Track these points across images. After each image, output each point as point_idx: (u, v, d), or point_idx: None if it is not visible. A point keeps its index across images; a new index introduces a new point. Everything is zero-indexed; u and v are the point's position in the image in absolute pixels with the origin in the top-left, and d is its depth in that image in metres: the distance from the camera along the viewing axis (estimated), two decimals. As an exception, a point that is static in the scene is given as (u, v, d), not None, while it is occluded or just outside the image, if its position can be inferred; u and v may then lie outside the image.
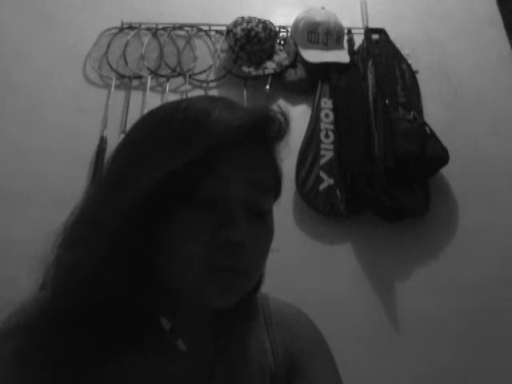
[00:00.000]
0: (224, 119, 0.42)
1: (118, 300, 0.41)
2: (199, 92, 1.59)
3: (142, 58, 1.61)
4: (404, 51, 1.61)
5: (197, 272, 0.41)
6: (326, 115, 1.50)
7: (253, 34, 1.52)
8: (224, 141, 0.40)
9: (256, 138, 0.44)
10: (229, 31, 1.57)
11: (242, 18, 1.56)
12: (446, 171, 1.42)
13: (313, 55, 1.55)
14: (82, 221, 0.45)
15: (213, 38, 1.67)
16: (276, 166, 0.48)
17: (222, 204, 0.41)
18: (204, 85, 1.60)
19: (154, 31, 1.67)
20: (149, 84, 1.57)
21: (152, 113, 0.48)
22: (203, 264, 0.41)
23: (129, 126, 0.49)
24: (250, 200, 0.43)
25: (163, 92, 1.58)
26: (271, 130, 0.45)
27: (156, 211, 0.40)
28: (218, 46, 1.65)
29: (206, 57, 1.65)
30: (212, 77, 1.62)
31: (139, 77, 1.59)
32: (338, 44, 1.59)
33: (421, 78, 1.57)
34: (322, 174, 1.41)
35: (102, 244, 0.41)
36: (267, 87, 1.52)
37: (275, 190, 0.48)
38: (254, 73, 1.53)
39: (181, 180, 0.40)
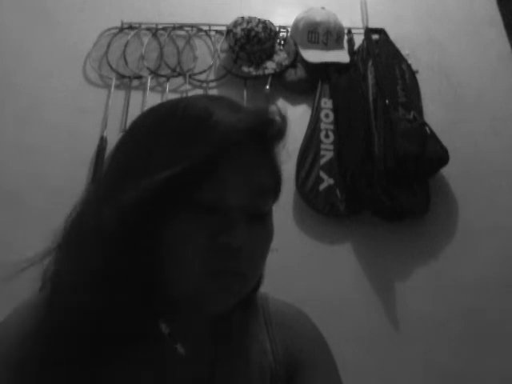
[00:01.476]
0: (225, 120, 0.41)
1: (117, 304, 0.41)
2: (199, 92, 1.59)
3: (142, 58, 1.61)
4: (404, 51, 1.61)
5: (196, 274, 0.41)
6: (326, 115, 1.50)
7: (253, 33, 1.52)
8: (225, 144, 0.40)
9: (256, 140, 0.44)
10: (229, 31, 1.57)
11: (242, 17, 1.56)
12: (446, 171, 1.42)
13: (313, 55, 1.55)
14: (81, 221, 0.44)
15: (213, 38, 1.67)
16: (276, 167, 0.48)
17: (221, 208, 0.41)
18: (204, 85, 1.60)
19: (154, 31, 1.67)
20: (149, 84, 1.57)
21: (152, 110, 0.48)
22: (203, 266, 0.41)
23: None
24: (249, 204, 0.42)
25: (163, 92, 1.58)
26: (271, 132, 0.45)
27: (156, 213, 0.40)
28: (218, 46, 1.65)
29: (206, 57, 1.65)
30: (212, 77, 1.62)
31: (139, 77, 1.59)
32: (338, 44, 1.59)
33: (421, 78, 1.57)
34: (322, 174, 1.41)
35: (100, 246, 0.40)
36: (267, 87, 1.52)
37: (275, 192, 0.47)
38: (254, 73, 1.53)
39: (180, 183, 0.39)
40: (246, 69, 1.54)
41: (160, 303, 0.45)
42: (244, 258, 0.41)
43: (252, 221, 0.43)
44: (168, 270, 0.42)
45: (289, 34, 1.64)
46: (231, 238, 0.40)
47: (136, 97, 1.56)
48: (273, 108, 0.46)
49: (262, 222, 0.44)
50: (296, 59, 1.57)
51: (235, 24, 1.56)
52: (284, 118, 0.46)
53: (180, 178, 0.39)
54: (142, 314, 0.42)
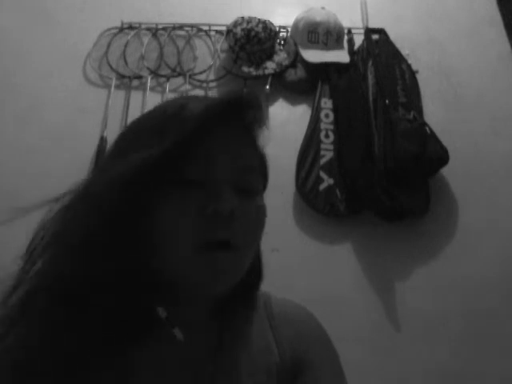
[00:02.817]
0: (198, 107, 0.44)
1: (118, 293, 0.41)
2: (199, 92, 1.59)
3: (142, 58, 1.61)
4: (404, 51, 1.61)
5: (188, 249, 0.42)
6: (326, 115, 1.50)
7: (253, 33, 1.52)
8: (199, 124, 0.42)
9: (233, 118, 0.46)
10: (229, 31, 1.57)
11: (242, 17, 1.56)
12: (446, 171, 1.42)
13: (313, 55, 1.55)
14: (72, 206, 0.46)
15: (213, 38, 1.67)
16: (257, 147, 0.50)
17: (208, 181, 0.43)
18: (204, 85, 1.60)
19: (154, 31, 1.67)
20: (149, 84, 1.57)
21: (141, 115, 0.51)
22: (193, 238, 0.42)
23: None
24: (235, 176, 0.44)
25: (163, 92, 1.58)
26: (247, 110, 0.47)
27: (145, 195, 0.41)
28: (218, 46, 1.65)
29: (206, 57, 1.65)
30: (212, 77, 1.62)
31: (139, 77, 1.59)
32: (338, 44, 1.59)
33: (421, 78, 1.57)
34: (322, 174, 1.41)
35: (96, 228, 0.41)
36: (267, 87, 1.52)
37: (261, 170, 0.50)
38: (254, 73, 1.53)
39: (168, 166, 0.41)
40: (246, 69, 1.54)
41: (157, 287, 0.45)
42: (236, 226, 0.43)
43: (240, 196, 0.44)
44: (159, 247, 0.43)
45: (289, 34, 1.64)
46: (219, 205, 0.41)
47: (136, 97, 1.56)
48: (247, 93, 0.49)
49: (250, 198, 0.46)
50: (296, 59, 1.58)
51: (235, 24, 1.56)
52: (259, 100, 0.48)
53: (164, 158, 0.41)
54: (140, 301, 0.43)
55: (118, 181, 0.41)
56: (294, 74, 1.56)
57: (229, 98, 0.46)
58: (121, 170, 0.42)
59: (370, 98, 1.48)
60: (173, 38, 1.67)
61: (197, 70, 1.61)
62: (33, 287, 0.43)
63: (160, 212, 0.42)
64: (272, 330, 0.52)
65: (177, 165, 0.42)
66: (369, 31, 1.63)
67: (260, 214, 0.47)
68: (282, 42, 1.61)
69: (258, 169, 0.49)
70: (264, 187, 0.52)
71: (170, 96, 1.54)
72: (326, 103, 1.52)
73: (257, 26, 1.54)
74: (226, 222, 0.42)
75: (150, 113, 0.50)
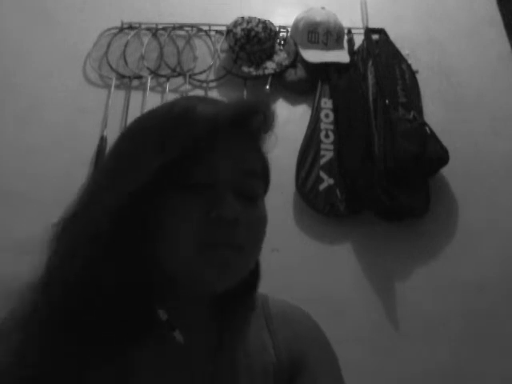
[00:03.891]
0: (207, 111, 0.44)
1: (118, 293, 0.41)
2: (199, 92, 1.59)
3: (142, 58, 1.61)
4: (404, 51, 1.61)
5: (189, 248, 0.42)
6: (326, 115, 1.50)
7: (253, 33, 1.52)
8: (208, 129, 0.42)
9: (239, 126, 0.46)
10: (229, 31, 1.57)
11: (242, 18, 1.56)
12: (446, 171, 1.42)
13: (313, 55, 1.55)
14: (80, 211, 0.46)
15: (213, 38, 1.67)
16: (261, 152, 0.50)
17: (212, 187, 0.43)
18: (204, 85, 1.60)
19: (154, 31, 1.67)
20: (149, 84, 1.57)
21: (142, 114, 0.51)
22: (195, 239, 0.42)
23: (129, 126, 0.50)
24: (238, 182, 0.44)
25: (163, 92, 1.58)
26: (254, 118, 0.47)
27: (150, 199, 0.42)
28: (218, 46, 1.65)
29: (206, 57, 1.65)
30: (212, 77, 1.62)
31: (139, 77, 1.59)
32: (338, 44, 1.59)
33: (421, 78, 1.57)
34: (322, 174, 1.41)
35: (99, 230, 0.41)
36: (267, 87, 1.52)
37: (263, 175, 0.50)
38: (254, 73, 1.53)
39: (171, 169, 0.41)
40: (246, 69, 1.54)
41: (157, 288, 0.45)
42: (240, 231, 0.43)
43: (242, 202, 0.44)
44: (160, 249, 0.43)
45: (289, 34, 1.64)
46: (223, 210, 0.42)
47: (136, 97, 1.56)
48: (258, 99, 0.49)
49: (252, 204, 0.46)
50: (296, 59, 1.58)
51: (235, 24, 1.56)
52: (269, 108, 0.48)
53: (169, 165, 0.41)
54: (138, 298, 0.43)
55: (125, 188, 0.42)
56: (293, 74, 1.56)
57: (241, 106, 0.46)
58: (127, 179, 0.42)
59: (370, 98, 1.48)
60: (173, 38, 1.67)
61: (197, 70, 1.61)
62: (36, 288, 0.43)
63: (162, 216, 0.42)
64: (269, 330, 0.52)
65: (181, 169, 0.42)
66: (369, 31, 1.63)
67: (261, 218, 0.47)
68: (282, 42, 1.61)
69: (261, 173, 0.49)
70: (265, 191, 0.51)
71: (170, 96, 1.54)
72: (326, 103, 1.52)
73: (257, 25, 1.54)
74: (230, 227, 0.42)
75: (151, 113, 0.49)
